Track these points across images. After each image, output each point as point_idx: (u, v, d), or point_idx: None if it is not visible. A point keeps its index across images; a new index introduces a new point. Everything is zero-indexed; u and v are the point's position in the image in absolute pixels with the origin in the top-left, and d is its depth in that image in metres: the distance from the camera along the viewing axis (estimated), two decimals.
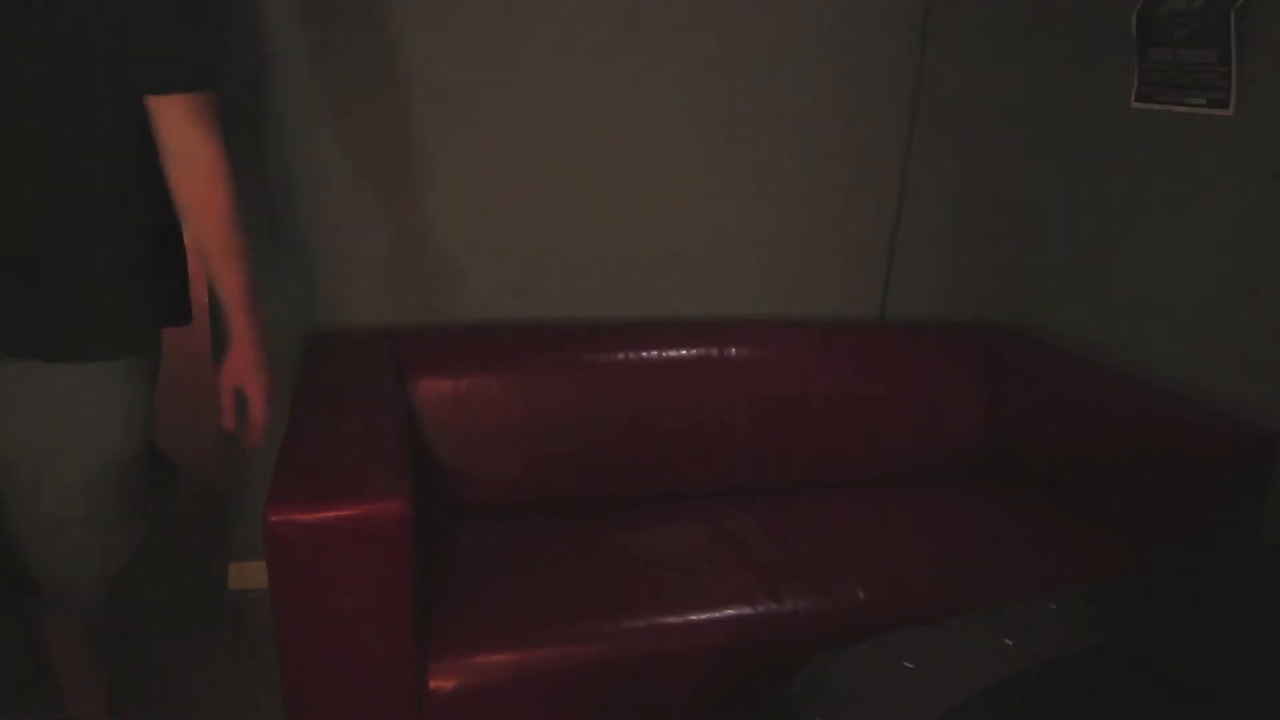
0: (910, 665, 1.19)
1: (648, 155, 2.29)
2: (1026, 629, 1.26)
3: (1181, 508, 1.89)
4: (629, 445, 2.12)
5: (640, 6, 2.17)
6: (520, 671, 1.55)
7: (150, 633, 2.16)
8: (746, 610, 1.68)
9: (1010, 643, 1.22)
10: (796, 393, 2.23)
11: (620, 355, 2.14)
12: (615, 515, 2.02)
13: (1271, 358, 1.94)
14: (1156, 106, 2.19)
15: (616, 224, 2.32)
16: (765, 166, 2.38)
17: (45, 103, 1.23)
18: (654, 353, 2.16)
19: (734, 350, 2.21)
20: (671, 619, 1.65)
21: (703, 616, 1.66)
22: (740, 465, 2.20)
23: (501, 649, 1.55)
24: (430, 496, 1.95)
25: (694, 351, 2.18)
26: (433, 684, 1.50)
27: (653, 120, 2.27)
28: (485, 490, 2.03)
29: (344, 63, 2.07)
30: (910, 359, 2.36)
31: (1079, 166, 2.43)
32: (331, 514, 1.34)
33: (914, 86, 2.40)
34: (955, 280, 2.58)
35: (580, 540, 1.89)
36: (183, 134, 1.29)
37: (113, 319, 1.35)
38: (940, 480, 2.31)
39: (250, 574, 2.32)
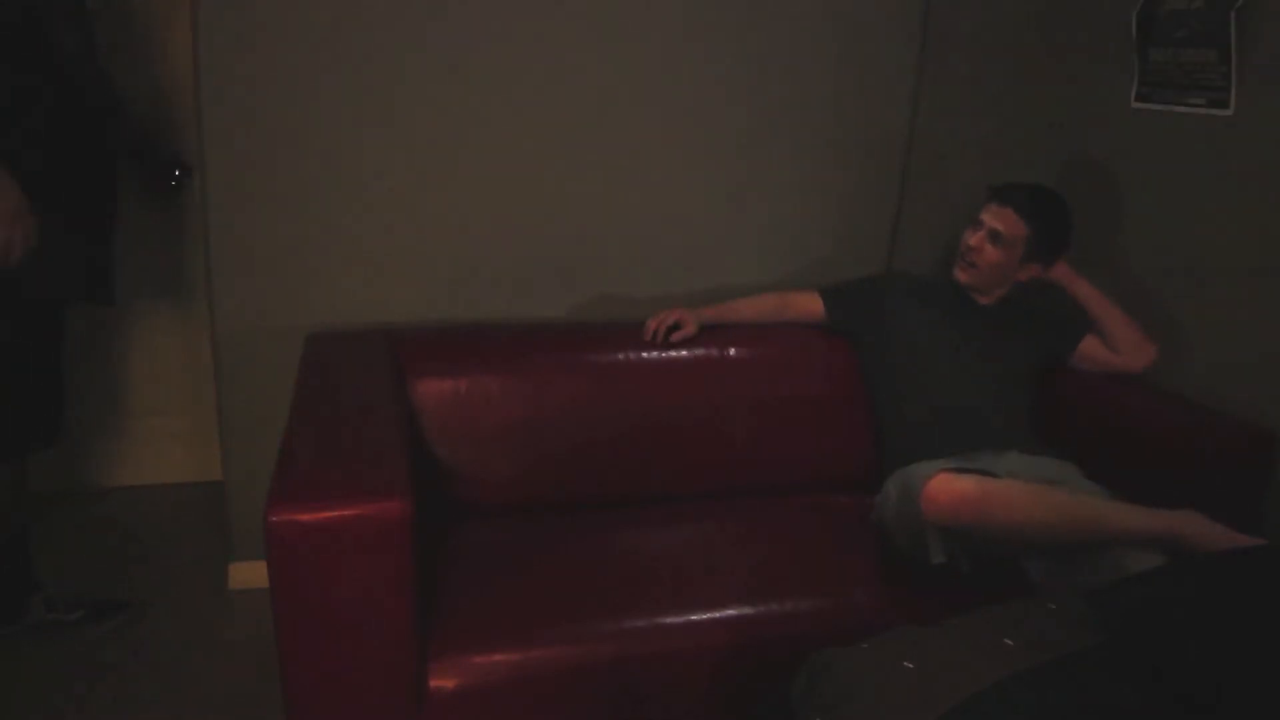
0: (910, 665, 1.19)
1: (650, 156, 2.29)
2: (1026, 629, 1.25)
3: (1180, 507, 1.88)
4: (629, 445, 2.12)
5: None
6: (520, 671, 1.55)
7: (150, 632, 2.17)
8: (746, 610, 1.68)
9: (1010, 643, 1.21)
10: (798, 392, 2.23)
11: (620, 355, 2.14)
12: (615, 515, 2.03)
13: (1271, 357, 1.94)
14: (1156, 106, 2.19)
15: (618, 224, 2.32)
16: (766, 166, 2.38)
17: None
18: (654, 353, 2.16)
19: (734, 350, 2.21)
20: (671, 619, 1.65)
21: (703, 616, 1.66)
22: (741, 465, 2.20)
23: (501, 649, 1.55)
24: (430, 496, 1.95)
25: (694, 351, 2.18)
26: (433, 684, 1.50)
27: (654, 120, 2.27)
28: (485, 490, 2.03)
29: (343, 63, 2.07)
30: None
31: (1079, 166, 2.43)
32: (331, 514, 1.34)
33: (914, 85, 2.40)
34: None
35: (580, 540, 1.89)
36: None
37: None
38: None
39: (250, 574, 2.32)
